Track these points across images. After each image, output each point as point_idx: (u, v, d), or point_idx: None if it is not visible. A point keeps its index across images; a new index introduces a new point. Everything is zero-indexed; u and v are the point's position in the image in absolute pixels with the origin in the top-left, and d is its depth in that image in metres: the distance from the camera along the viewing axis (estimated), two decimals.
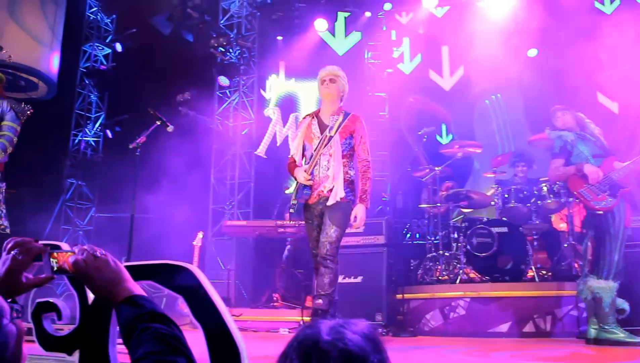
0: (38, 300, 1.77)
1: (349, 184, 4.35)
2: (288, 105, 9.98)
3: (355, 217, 4.24)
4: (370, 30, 9.65)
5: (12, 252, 1.48)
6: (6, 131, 4.33)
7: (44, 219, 9.63)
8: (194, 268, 1.43)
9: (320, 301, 4.07)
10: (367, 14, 9.23)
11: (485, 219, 6.34)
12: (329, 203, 4.23)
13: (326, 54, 9.49)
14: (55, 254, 1.52)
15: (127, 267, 1.54)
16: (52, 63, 9.31)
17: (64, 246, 1.62)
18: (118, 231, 8.83)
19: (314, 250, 4.35)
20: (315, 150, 4.38)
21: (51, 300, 1.77)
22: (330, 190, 4.25)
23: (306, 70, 9.55)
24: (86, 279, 1.40)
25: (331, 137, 4.38)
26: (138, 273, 1.53)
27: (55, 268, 1.52)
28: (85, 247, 1.43)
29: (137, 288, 1.39)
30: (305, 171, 4.34)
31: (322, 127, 4.44)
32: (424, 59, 9.51)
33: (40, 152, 8.70)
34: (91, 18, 10.72)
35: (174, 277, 1.45)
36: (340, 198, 4.24)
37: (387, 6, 9.26)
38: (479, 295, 5.66)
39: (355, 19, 9.62)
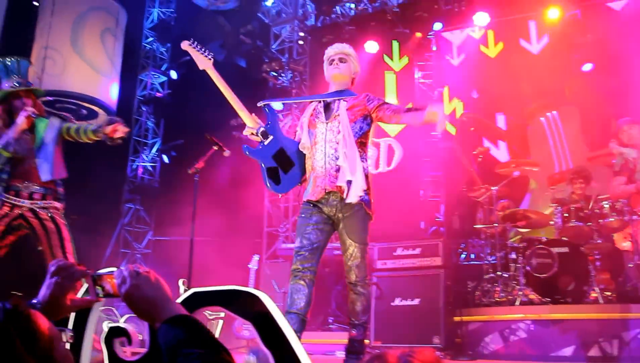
0: (110, 325, 1.82)
1: (365, 180, 3.61)
2: None
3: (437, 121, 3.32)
4: (420, 50, 9.63)
5: (55, 277, 1.52)
6: (76, 123, 4.42)
7: (104, 243, 9.93)
8: (262, 295, 1.45)
9: (354, 332, 3.54)
10: (418, 34, 9.23)
11: (544, 239, 6.19)
12: (349, 200, 3.49)
13: (380, 74, 9.58)
14: (99, 277, 1.56)
15: (197, 293, 1.58)
16: (111, 92, 9.65)
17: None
18: (174, 253, 9.02)
19: (301, 255, 3.52)
20: (318, 137, 3.70)
21: (122, 325, 1.82)
22: (344, 183, 3.52)
23: (359, 90, 9.61)
24: (126, 298, 1.37)
25: (336, 118, 3.70)
26: (206, 298, 1.56)
27: (100, 293, 1.56)
28: (129, 265, 1.41)
29: (180, 308, 1.34)
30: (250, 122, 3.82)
31: (329, 111, 3.77)
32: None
33: (100, 178, 8.99)
34: (147, 48, 11.08)
35: (243, 303, 1.47)
36: (357, 201, 3.51)
37: (437, 26, 9.23)
38: (540, 318, 5.50)
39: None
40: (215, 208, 8.44)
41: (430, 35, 9.50)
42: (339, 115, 3.67)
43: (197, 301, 1.57)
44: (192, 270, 4.85)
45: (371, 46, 9.32)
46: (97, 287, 1.57)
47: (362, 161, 3.60)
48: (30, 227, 4.03)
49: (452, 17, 8.94)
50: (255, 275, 7.21)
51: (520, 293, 5.89)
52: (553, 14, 8.41)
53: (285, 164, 3.76)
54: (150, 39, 11.06)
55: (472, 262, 7.47)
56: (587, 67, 8.40)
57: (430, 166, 9.26)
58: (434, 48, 9.67)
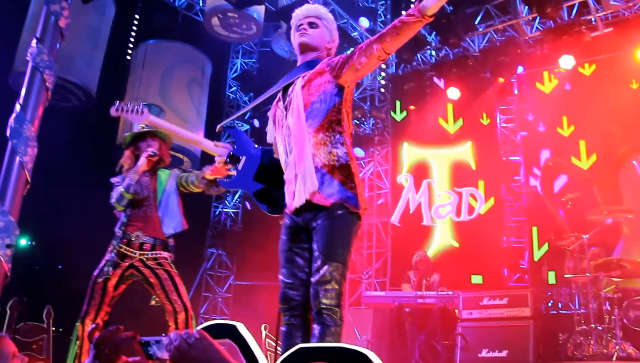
0: None
1: (342, 172, 2.64)
2: (421, 171, 9.97)
3: None
4: (503, 94, 9.51)
5: (99, 347, 1.53)
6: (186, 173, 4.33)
7: (187, 287, 10.13)
8: (371, 354, 1.45)
9: None
10: (500, 79, 9.11)
11: None
12: (295, 203, 2.65)
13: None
14: (147, 343, 1.55)
15: (303, 349, 1.59)
16: None
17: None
18: (255, 298, 9.11)
19: (287, 284, 2.72)
20: (277, 130, 2.89)
21: None
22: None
23: (438, 137, 9.62)
24: None
25: (290, 101, 2.80)
26: (313, 354, 1.57)
27: (152, 356, 1.55)
28: (180, 333, 1.38)
29: None
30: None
31: (286, 95, 2.88)
32: None
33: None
34: (231, 97, 11.49)
35: (351, 362, 1.47)
36: (330, 202, 2.59)
37: (519, 69, 9.11)
38: None
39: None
40: None
41: (513, 79, 9.38)
42: (292, 97, 2.80)
43: (303, 356, 1.58)
44: (280, 317, 4.86)
45: (453, 93, 9.28)
46: (147, 351, 1.56)
47: (337, 148, 2.67)
48: (142, 275, 4.08)
49: (534, 60, 8.80)
50: None
51: (617, 347, 5.58)
52: None
53: (274, 180, 2.98)
54: (234, 88, 11.47)
55: (561, 312, 7.15)
56: None
57: (513, 212, 9.04)
58: (516, 92, 9.54)
